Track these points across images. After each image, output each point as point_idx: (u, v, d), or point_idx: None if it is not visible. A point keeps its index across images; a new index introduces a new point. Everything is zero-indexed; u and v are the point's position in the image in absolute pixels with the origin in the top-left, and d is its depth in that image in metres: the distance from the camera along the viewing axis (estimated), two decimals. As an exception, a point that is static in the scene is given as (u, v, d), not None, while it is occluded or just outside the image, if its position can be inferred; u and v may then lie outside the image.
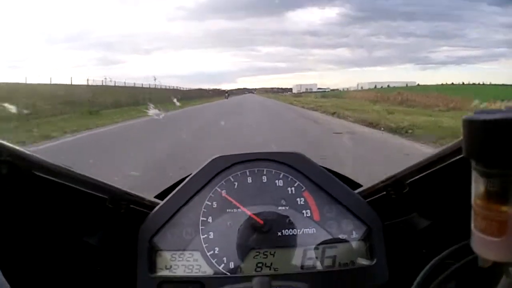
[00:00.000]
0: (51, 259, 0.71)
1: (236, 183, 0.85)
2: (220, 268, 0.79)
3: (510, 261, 0.35)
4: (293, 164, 0.85)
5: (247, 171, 0.85)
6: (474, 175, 0.36)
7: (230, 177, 0.85)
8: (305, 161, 0.86)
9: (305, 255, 0.80)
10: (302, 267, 0.79)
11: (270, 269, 0.79)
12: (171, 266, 0.80)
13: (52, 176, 0.63)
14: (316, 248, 0.80)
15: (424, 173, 0.68)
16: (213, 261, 0.80)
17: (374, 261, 0.79)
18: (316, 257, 0.79)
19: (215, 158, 0.87)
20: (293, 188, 0.84)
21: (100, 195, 0.74)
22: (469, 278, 0.55)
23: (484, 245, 0.36)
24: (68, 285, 0.74)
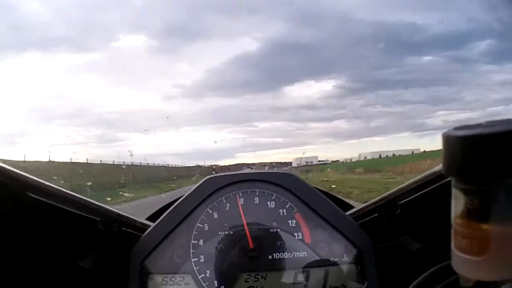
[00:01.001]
0: (44, 281, 0.70)
1: (228, 205, 0.84)
2: None
3: (494, 280, 0.34)
4: (285, 185, 0.85)
5: (239, 192, 0.85)
6: (454, 192, 0.35)
7: (222, 198, 0.84)
8: (297, 182, 0.86)
9: (296, 278, 0.79)
10: None
11: None
12: None
13: (46, 198, 0.63)
14: (307, 272, 0.79)
15: (416, 195, 0.68)
16: (204, 285, 0.79)
17: (365, 285, 0.78)
18: (307, 280, 0.78)
19: (207, 179, 0.86)
20: (284, 210, 0.84)
21: (93, 217, 0.74)
22: None
23: (465, 265, 0.35)
24: None
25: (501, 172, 0.31)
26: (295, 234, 0.82)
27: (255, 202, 0.84)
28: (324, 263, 0.80)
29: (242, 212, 0.83)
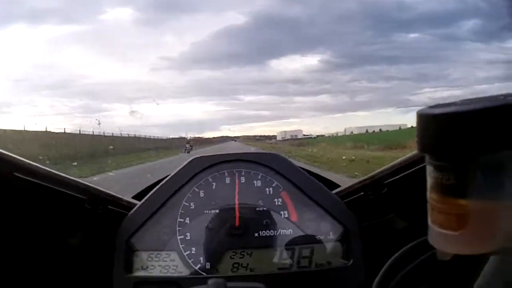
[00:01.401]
0: (31, 259, 0.71)
1: (214, 184, 0.84)
2: (197, 268, 0.79)
3: (472, 253, 0.35)
4: (272, 165, 0.85)
5: (225, 171, 0.85)
6: (429, 169, 0.36)
7: (209, 177, 0.85)
8: (283, 162, 0.86)
9: (282, 255, 0.79)
10: (278, 267, 0.79)
11: (246, 270, 0.79)
12: (147, 267, 0.80)
13: (32, 178, 0.63)
14: (292, 249, 0.80)
15: (401, 174, 0.68)
16: (190, 262, 0.79)
17: (351, 262, 0.79)
18: (293, 258, 0.79)
19: (194, 158, 0.86)
20: (271, 189, 0.84)
21: (79, 195, 0.74)
22: (430, 273, 0.55)
23: (442, 239, 0.35)
24: (46, 284, 0.73)
25: (475, 149, 0.31)
26: (281, 212, 0.82)
27: (241, 181, 0.85)
28: (310, 240, 0.80)
29: (234, 191, 0.84)
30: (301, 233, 0.81)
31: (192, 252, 0.80)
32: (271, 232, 0.81)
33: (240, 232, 0.80)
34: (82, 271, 0.80)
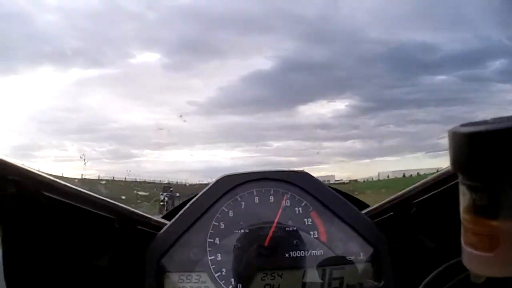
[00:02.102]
0: (60, 280, 0.71)
1: (243, 203, 0.84)
2: None
3: (504, 276, 0.34)
4: (301, 184, 0.85)
5: (254, 190, 0.85)
6: (462, 189, 0.35)
7: (238, 197, 0.85)
8: (312, 181, 0.86)
9: (313, 276, 0.79)
10: None
11: None
12: None
13: (60, 196, 0.64)
14: (323, 270, 0.79)
15: (431, 193, 0.67)
16: (221, 283, 0.79)
17: (382, 283, 0.78)
18: (323, 279, 0.78)
19: (222, 177, 0.87)
20: (300, 208, 0.83)
21: (108, 215, 0.75)
22: None
23: (475, 261, 0.35)
24: None
25: (507, 168, 0.31)
26: (311, 232, 0.82)
27: (270, 200, 0.84)
28: (340, 261, 0.80)
29: (263, 211, 0.84)
30: (331, 254, 0.80)
31: (223, 273, 0.80)
32: (302, 253, 0.80)
33: (269, 252, 0.80)
34: None
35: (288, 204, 0.84)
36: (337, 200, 0.84)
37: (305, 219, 0.83)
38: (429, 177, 0.67)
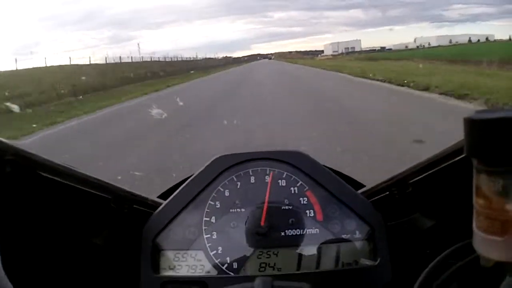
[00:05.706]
0: (56, 259, 0.71)
1: (239, 183, 0.84)
2: (224, 268, 0.79)
3: None
4: (296, 163, 0.85)
5: (250, 170, 0.85)
6: (476, 174, 0.36)
7: (233, 176, 0.85)
8: (308, 161, 0.86)
9: (308, 255, 0.80)
10: (305, 267, 0.79)
11: (273, 269, 0.79)
12: (174, 266, 0.81)
13: (56, 176, 0.63)
14: (319, 248, 0.80)
15: (427, 173, 0.68)
16: (217, 261, 0.80)
17: (378, 261, 0.79)
18: (319, 257, 0.79)
19: (217, 157, 0.87)
20: (296, 188, 0.84)
21: (104, 195, 0.75)
22: (471, 277, 0.54)
23: (486, 245, 0.35)
24: (72, 285, 0.74)
25: None
26: (307, 211, 0.82)
27: (266, 180, 0.85)
28: (336, 239, 0.80)
29: (259, 190, 0.84)
30: (327, 232, 0.81)
31: (219, 251, 0.80)
32: (297, 232, 0.81)
33: (265, 231, 0.80)
34: (107, 270, 0.81)
35: (284, 184, 0.84)
36: (333, 179, 0.84)
37: (301, 198, 0.83)
38: (425, 158, 0.67)
